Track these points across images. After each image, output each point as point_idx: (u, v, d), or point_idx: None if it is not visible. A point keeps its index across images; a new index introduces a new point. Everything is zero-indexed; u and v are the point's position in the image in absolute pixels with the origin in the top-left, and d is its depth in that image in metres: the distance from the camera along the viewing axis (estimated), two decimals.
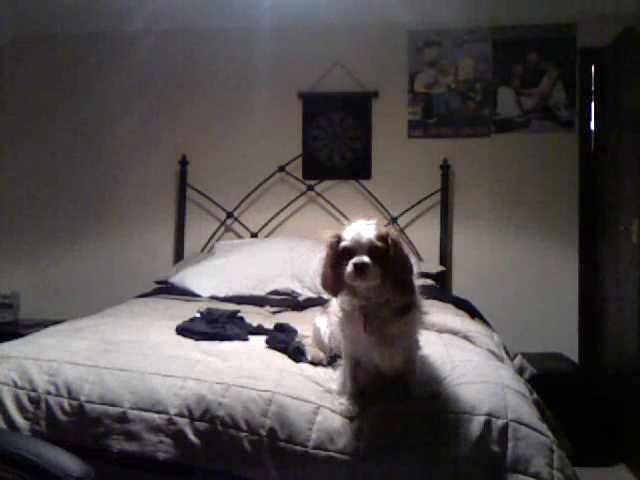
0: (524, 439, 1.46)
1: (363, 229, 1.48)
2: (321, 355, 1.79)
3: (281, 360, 1.80)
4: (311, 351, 1.82)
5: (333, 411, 1.54)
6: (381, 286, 1.47)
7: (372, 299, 1.49)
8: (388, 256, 1.46)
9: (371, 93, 3.79)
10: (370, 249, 1.45)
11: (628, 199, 3.13)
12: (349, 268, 1.44)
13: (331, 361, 1.78)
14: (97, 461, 1.45)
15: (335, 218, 3.79)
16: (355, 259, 1.44)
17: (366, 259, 1.44)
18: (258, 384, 1.61)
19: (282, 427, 1.52)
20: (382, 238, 1.47)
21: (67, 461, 1.14)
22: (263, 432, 1.51)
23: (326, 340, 1.79)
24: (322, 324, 1.82)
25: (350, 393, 1.56)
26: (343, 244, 1.48)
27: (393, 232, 1.54)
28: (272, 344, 1.93)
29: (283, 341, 1.92)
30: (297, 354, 1.82)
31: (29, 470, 1.12)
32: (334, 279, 1.50)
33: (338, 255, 1.49)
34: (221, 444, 1.53)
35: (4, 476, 1.12)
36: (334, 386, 1.62)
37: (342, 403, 1.55)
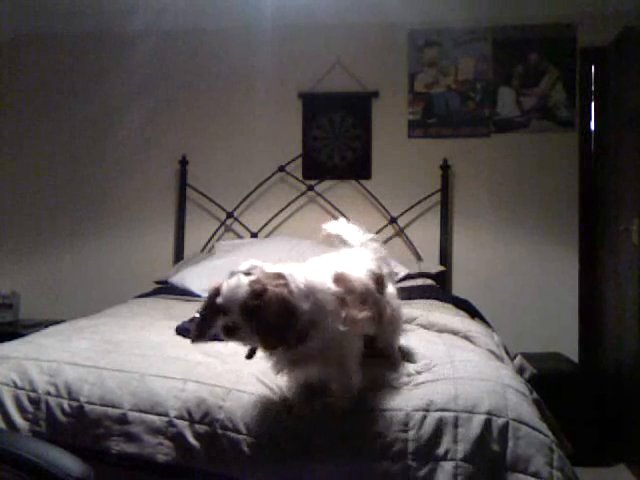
0: (524, 438, 1.46)
1: (238, 285, 1.39)
2: None
3: None
4: None
5: (331, 413, 1.54)
6: (256, 340, 1.43)
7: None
8: (262, 313, 1.37)
9: (371, 93, 3.79)
10: (242, 308, 1.37)
11: (628, 199, 3.13)
12: (219, 327, 1.40)
13: None
14: (97, 462, 1.45)
15: (335, 218, 3.77)
16: (225, 319, 1.39)
17: (235, 320, 1.38)
18: (258, 387, 1.61)
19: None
20: (257, 294, 1.37)
21: (67, 461, 1.14)
22: (262, 435, 1.51)
23: None
24: None
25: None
26: (217, 301, 1.41)
27: (273, 285, 1.40)
28: None
29: None
30: None
31: (29, 470, 1.12)
32: (201, 331, 1.47)
33: (216, 307, 1.42)
34: (220, 447, 1.52)
35: (4, 476, 1.12)
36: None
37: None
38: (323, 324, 1.43)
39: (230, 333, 1.39)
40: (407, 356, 1.80)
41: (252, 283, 1.39)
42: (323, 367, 1.50)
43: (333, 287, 1.48)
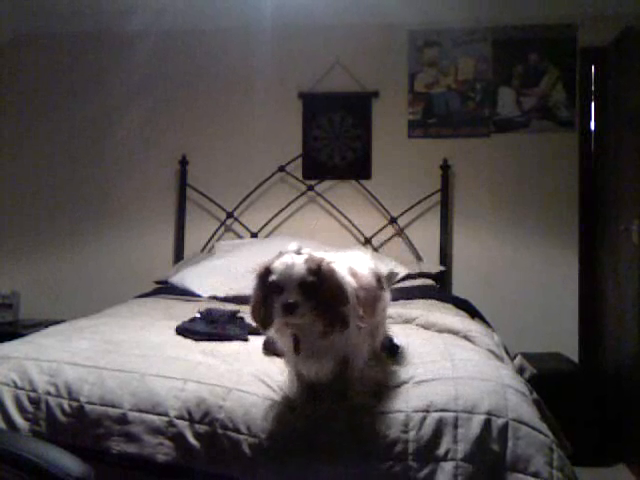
0: (524, 438, 1.46)
1: (293, 262, 1.39)
2: None
3: (281, 362, 1.79)
4: None
5: (334, 413, 1.54)
6: (314, 319, 1.40)
7: (305, 329, 1.44)
8: (320, 290, 1.38)
9: (371, 93, 3.79)
10: (300, 285, 1.37)
11: (628, 199, 3.13)
12: (277, 307, 1.38)
13: None
14: (97, 462, 1.45)
15: (335, 218, 3.79)
16: (283, 297, 1.37)
17: (294, 298, 1.36)
18: (259, 387, 1.61)
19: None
20: (314, 272, 1.38)
21: (67, 461, 1.14)
22: (263, 435, 1.51)
23: None
24: None
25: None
26: (272, 278, 1.39)
27: (326, 263, 1.43)
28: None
29: None
30: None
31: (29, 470, 1.11)
32: (264, 313, 1.43)
33: (267, 288, 1.41)
34: (221, 447, 1.52)
35: (4, 476, 1.12)
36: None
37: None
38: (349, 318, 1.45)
39: (289, 311, 1.36)
40: (401, 354, 1.80)
41: (308, 261, 1.40)
42: (337, 363, 1.50)
43: (354, 282, 1.49)
